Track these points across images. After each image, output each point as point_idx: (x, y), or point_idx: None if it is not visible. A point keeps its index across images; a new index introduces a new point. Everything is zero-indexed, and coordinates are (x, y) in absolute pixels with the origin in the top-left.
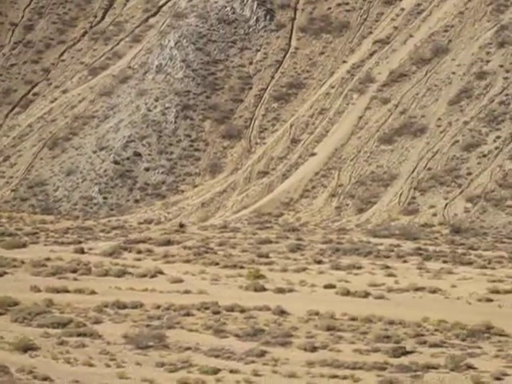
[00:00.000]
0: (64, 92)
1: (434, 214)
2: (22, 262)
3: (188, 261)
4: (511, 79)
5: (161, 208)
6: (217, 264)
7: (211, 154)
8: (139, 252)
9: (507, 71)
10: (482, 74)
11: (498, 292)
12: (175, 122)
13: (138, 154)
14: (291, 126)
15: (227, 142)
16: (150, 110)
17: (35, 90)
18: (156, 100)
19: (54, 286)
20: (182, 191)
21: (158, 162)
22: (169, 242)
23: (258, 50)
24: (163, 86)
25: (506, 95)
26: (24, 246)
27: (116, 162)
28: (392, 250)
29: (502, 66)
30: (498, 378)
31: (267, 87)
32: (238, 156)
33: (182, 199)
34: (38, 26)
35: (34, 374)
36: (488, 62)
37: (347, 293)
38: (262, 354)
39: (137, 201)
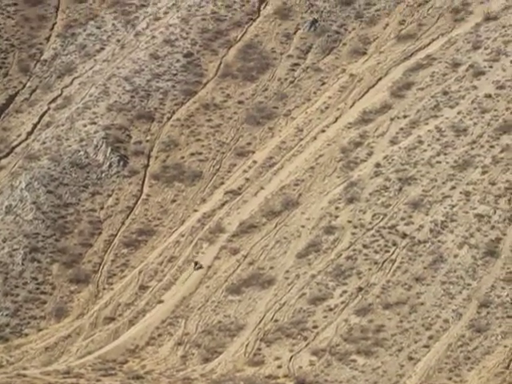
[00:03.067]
0: None
1: (279, 366)
2: None
3: None
4: (359, 235)
5: (3, 351)
6: None
7: (57, 298)
8: None
9: (355, 227)
10: (331, 228)
11: None
12: (22, 264)
13: None
14: (140, 272)
15: (74, 286)
16: None
17: None
18: (4, 241)
19: None
20: (26, 334)
21: (2, 304)
22: None
23: (110, 196)
24: (12, 227)
25: (354, 250)
26: None
27: None
28: None
29: (350, 222)
30: None
31: (117, 233)
32: (84, 301)
33: (26, 343)
34: None
35: None
36: (337, 217)
37: None
38: None
39: None
